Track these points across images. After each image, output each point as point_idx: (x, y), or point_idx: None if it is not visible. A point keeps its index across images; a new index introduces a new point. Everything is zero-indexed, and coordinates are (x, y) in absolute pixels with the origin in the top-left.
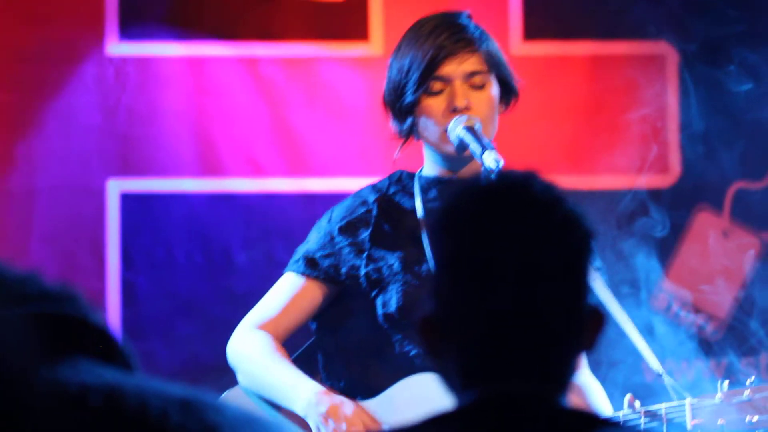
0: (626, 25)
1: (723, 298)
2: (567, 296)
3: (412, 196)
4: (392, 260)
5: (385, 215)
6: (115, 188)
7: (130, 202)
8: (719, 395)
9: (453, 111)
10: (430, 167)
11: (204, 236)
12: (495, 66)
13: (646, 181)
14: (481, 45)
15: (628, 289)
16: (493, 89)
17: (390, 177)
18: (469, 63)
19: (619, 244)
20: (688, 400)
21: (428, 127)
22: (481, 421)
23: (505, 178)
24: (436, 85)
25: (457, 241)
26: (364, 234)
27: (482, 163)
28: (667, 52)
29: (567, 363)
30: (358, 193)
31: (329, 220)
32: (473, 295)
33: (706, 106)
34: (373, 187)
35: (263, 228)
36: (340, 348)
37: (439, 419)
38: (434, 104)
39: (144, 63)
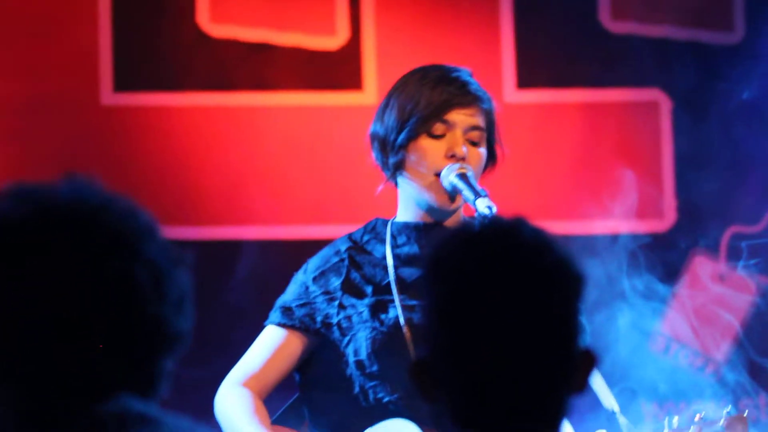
0: (619, 72)
1: (720, 341)
2: (558, 339)
3: (384, 243)
4: (362, 308)
5: (355, 264)
6: None
7: (184, 250)
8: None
9: (451, 157)
10: (404, 212)
11: (197, 283)
12: (489, 129)
13: (641, 226)
14: (487, 105)
15: (626, 332)
16: (484, 149)
17: (365, 226)
18: (475, 118)
19: (616, 289)
20: None
21: (421, 166)
22: None
23: (495, 223)
24: (439, 129)
25: (447, 286)
26: (336, 283)
27: (476, 210)
28: (659, 98)
29: (559, 405)
30: (334, 243)
31: (305, 270)
32: (464, 339)
33: (700, 151)
34: (349, 237)
35: (257, 275)
36: (322, 398)
37: None
38: (433, 146)
39: (138, 113)
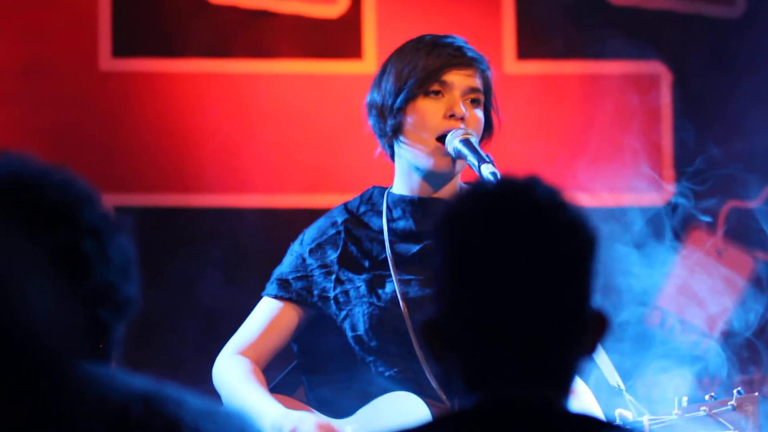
0: (620, 44)
1: (716, 316)
2: (570, 300)
3: (380, 215)
4: (359, 282)
5: (352, 237)
6: (107, 202)
7: (122, 215)
8: (676, 411)
9: (450, 117)
10: (400, 183)
11: (191, 249)
12: (487, 93)
13: (639, 199)
14: (485, 67)
15: (622, 306)
16: (482, 113)
17: (362, 195)
18: (473, 79)
19: (613, 262)
20: (645, 417)
21: (420, 128)
22: (483, 424)
23: (509, 182)
24: (435, 88)
25: (460, 245)
26: (333, 256)
27: (480, 175)
28: (660, 71)
29: (569, 367)
30: (330, 214)
31: (301, 242)
32: (476, 298)
33: (699, 125)
34: (345, 207)
35: (254, 243)
36: (321, 369)
37: (441, 422)
38: (431, 106)
39: (136, 79)
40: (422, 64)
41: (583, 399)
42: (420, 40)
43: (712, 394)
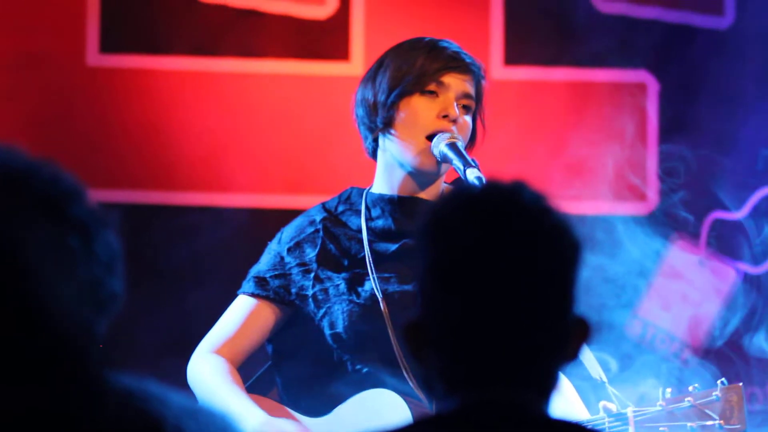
0: (607, 52)
1: (698, 327)
2: (553, 305)
3: (359, 214)
4: (338, 281)
5: (330, 235)
6: (91, 198)
7: (109, 210)
8: (661, 402)
9: (444, 117)
10: (381, 182)
11: (173, 247)
12: (478, 101)
13: (623, 208)
14: (481, 76)
15: (603, 315)
16: (470, 119)
17: (340, 195)
18: (468, 85)
19: (595, 271)
20: (629, 409)
21: (412, 125)
22: (462, 427)
23: (495, 186)
24: (432, 88)
25: (444, 247)
26: (312, 254)
27: (465, 179)
28: (647, 80)
29: (550, 372)
30: (308, 213)
31: (279, 240)
32: (459, 301)
33: (684, 135)
34: (323, 206)
35: (236, 243)
36: (296, 369)
37: (420, 425)
38: (425, 105)
39: (123, 75)
40: (421, 63)
41: (566, 396)
42: (418, 40)
43: (696, 385)
